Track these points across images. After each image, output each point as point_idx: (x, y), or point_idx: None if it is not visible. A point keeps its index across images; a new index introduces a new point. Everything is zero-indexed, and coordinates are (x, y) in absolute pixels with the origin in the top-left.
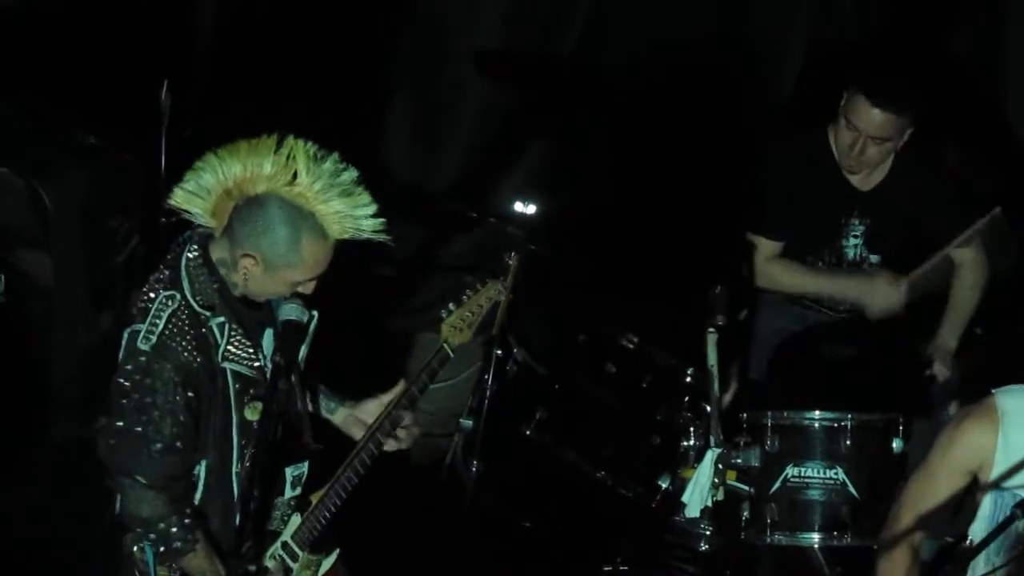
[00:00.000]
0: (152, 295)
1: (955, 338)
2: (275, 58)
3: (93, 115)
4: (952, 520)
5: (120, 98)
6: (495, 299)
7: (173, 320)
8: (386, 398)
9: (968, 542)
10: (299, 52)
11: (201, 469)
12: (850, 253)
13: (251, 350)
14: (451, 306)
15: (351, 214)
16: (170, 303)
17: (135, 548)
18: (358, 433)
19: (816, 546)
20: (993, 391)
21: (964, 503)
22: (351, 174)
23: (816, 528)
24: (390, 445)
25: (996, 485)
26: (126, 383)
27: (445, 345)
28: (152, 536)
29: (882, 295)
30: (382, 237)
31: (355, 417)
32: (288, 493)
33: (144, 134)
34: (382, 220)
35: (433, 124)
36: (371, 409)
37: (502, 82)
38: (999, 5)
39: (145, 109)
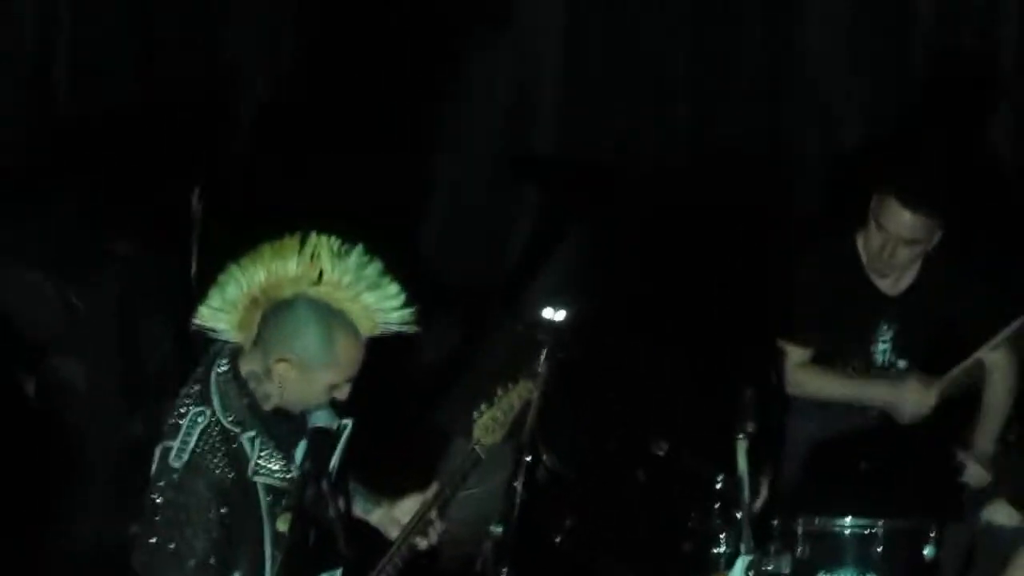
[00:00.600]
0: (183, 411)
1: (991, 443)
2: (307, 164)
3: (125, 220)
4: None
5: (152, 203)
6: (526, 398)
7: (204, 436)
8: (421, 497)
9: None
10: (321, 155)
11: None
12: (879, 359)
13: (284, 462)
14: (483, 407)
15: (380, 307)
16: (200, 420)
17: None
18: (394, 532)
19: None
20: None
21: None
22: (376, 266)
23: None
24: (422, 546)
25: None
26: (159, 499)
27: (477, 447)
28: None
29: (913, 400)
30: (412, 329)
31: (391, 516)
32: None
33: (176, 240)
34: (411, 310)
35: (464, 225)
36: (407, 507)
37: (533, 186)
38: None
39: (177, 215)
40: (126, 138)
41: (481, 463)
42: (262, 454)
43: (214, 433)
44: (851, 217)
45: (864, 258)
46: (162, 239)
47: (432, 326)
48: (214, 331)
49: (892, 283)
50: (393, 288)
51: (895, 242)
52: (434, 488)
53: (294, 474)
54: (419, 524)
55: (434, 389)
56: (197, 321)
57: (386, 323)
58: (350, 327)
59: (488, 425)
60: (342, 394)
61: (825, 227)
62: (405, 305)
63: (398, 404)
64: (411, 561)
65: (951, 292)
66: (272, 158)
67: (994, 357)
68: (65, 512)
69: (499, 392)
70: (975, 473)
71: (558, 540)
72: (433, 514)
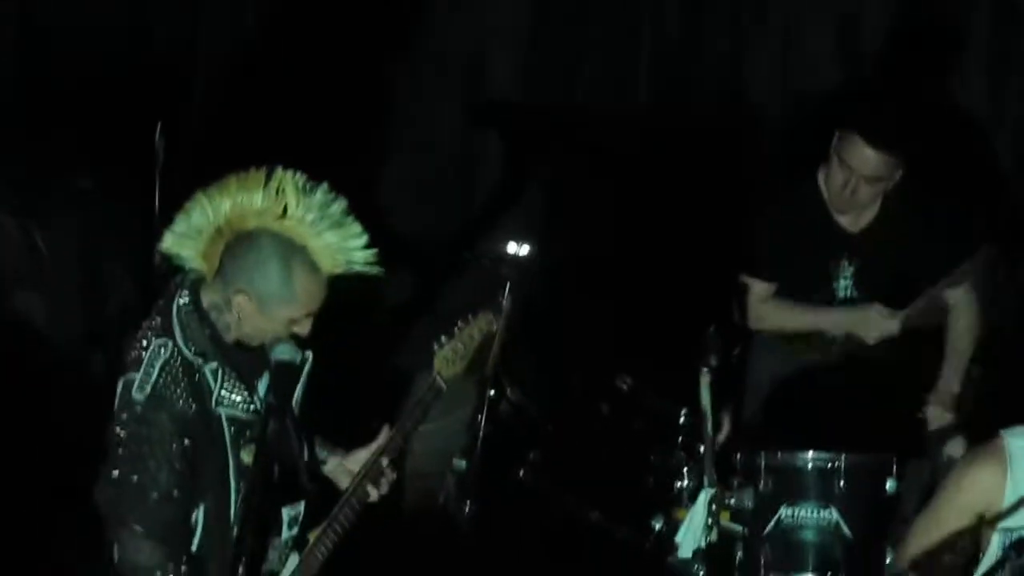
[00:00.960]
0: (145, 343)
1: (957, 382)
2: (270, 102)
3: (87, 158)
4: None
5: (114, 141)
6: (486, 330)
7: (167, 369)
8: (375, 446)
9: None
10: (293, 96)
11: (199, 514)
12: (840, 295)
13: (246, 393)
14: (443, 339)
15: (343, 246)
16: (163, 351)
17: None
18: (344, 482)
19: None
20: (1001, 432)
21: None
22: (341, 205)
23: (810, 569)
24: (373, 496)
25: (1003, 525)
26: (122, 432)
27: (438, 377)
28: None
29: (876, 324)
30: (374, 270)
31: (344, 467)
32: (285, 533)
33: (138, 177)
34: (373, 251)
35: (428, 167)
36: (360, 458)
37: (498, 127)
38: (999, 52)
39: (139, 152)
40: (87, 75)
41: (442, 395)
42: (224, 386)
43: (176, 365)
44: (813, 154)
45: (826, 195)
46: (124, 175)
47: (395, 268)
48: (178, 258)
49: (853, 220)
50: (356, 228)
51: (857, 179)
52: (386, 436)
53: (256, 406)
54: (372, 471)
55: (397, 330)
56: (161, 247)
57: (349, 262)
58: (311, 263)
59: (448, 357)
60: (303, 329)
61: (787, 165)
62: (368, 246)
63: (362, 345)
64: (361, 513)
65: (910, 230)
66: (236, 97)
67: (954, 294)
68: (30, 447)
69: (459, 324)
70: (936, 413)
71: (521, 474)
72: (385, 462)
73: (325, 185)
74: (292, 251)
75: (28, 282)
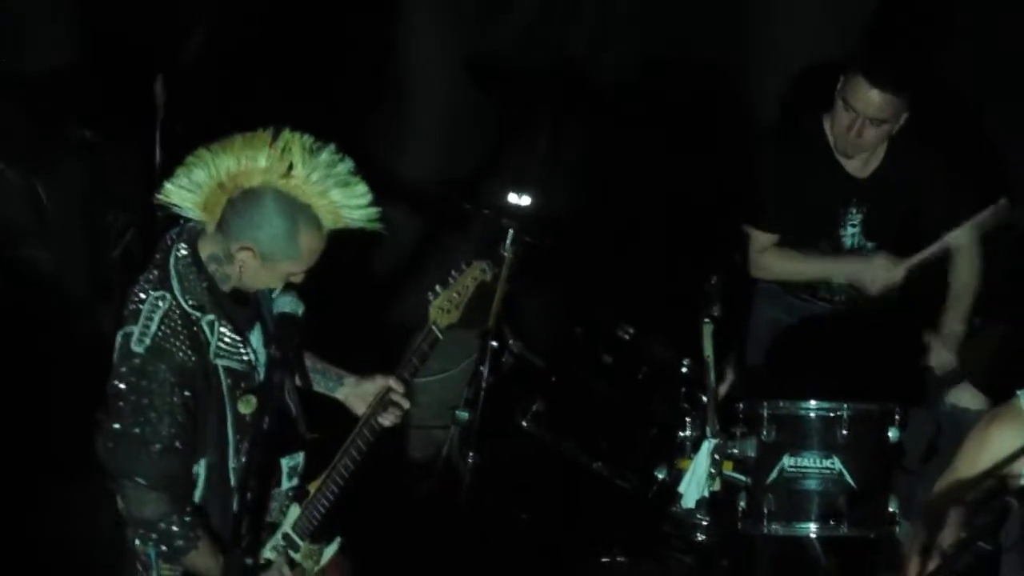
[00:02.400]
0: (143, 296)
1: (958, 326)
2: (269, 52)
3: (88, 109)
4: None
5: (115, 92)
6: (480, 279)
7: (165, 321)
8: (381, 381)
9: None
10: (293, 47)
11: (200, 467)
12: (848, 242)
13: (240, 344)
14: (438, 288)
15: (347, 204)
16: (161, 304)
17: (136, 542)
18: (360, 407)
19: (813, 536)
20: (1018, 392)
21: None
22: (347, 165)
23: (812, 518)
24: (385, 422)
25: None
26: (122, 385)
27: (434, 327)
28: (154, 536)
29: (881, 272)
30: (376, 227)
31: (357, 392)
32: (285, 484)
33: (139, 128)
34: (377, 210)
35: (428, 118)
36: (370, 388)
37: (498, 79)
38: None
39: (140, 103)
40: (87, 24)
41: (439, 343)
42: (221, 337)
43: (175, 317)
44: (818, 99)
45: (831, 139)
46: (126, 127)
47: (396, 220)
48: (177, 208)
49: (860, 166)
50: (362, 187)
51: (862, 121)
52: (397, 371)
53: (251, 357)
54: (383, 403)
55: (398, 281)
56: (160, 197)
57: (351, 219)
58: (314, 221)
59: (443, 306)
60: (297, 279)
61: (793, 111)
62: (371, 204)
63: (362, 296)
64: (373, 444)
65: (920, 175)
66: (237, 49)
67: (959, 239)
68: (33, 400)
69: (453, 274)
70: (940, 356)
71: (524, 425)
72: (397, 395)
73: (332, 146)
74: (297, 209)
75: (32, 234)
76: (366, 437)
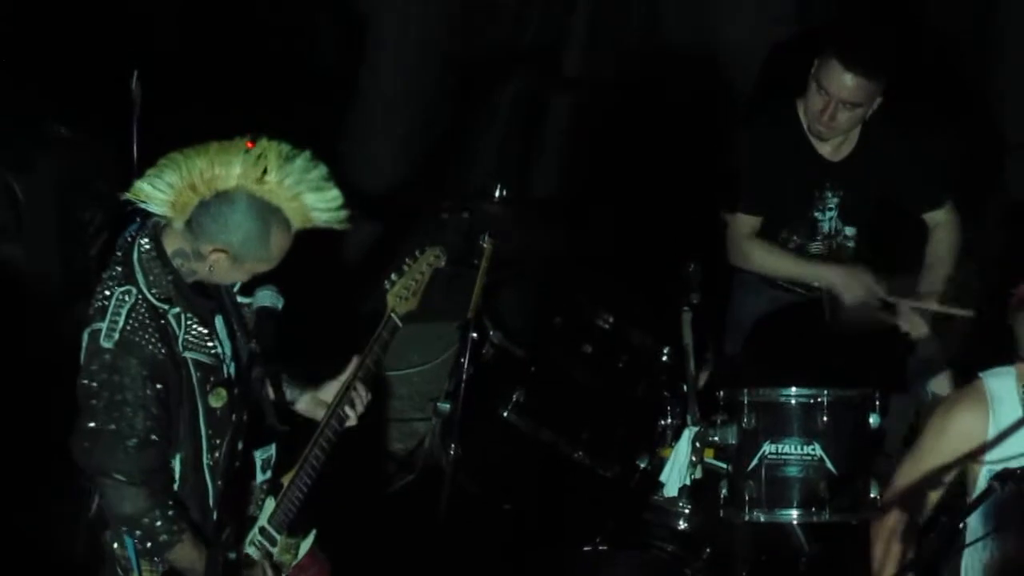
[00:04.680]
0: (108, 292)
1: (931, 292)
2: (242, 50)
3: (64, 106)
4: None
5: (91, 89)
6: (435, 264)
7: (133, 314)
8: (344, 377)
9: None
10: (264, 43)
11: (176, 462)
12: (825, 226)
13: (207, 337)
14: (393, 276)
15: (317, 207)
16: (127, 298)
17: (115, 545)
18: (321, 414)
19: (795, 522)
20: (980, 374)
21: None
22: (321, 171)
23: (794, 504)
24: (351, 418)
25: (989, 459)
26: (93, 383)
27: (392, 315)
28: (138, 532)
29: (858, 290)
30: (343, 226)
31: (318, 399)
32: (259, 477)
33: (115, 125)
34: (347, 212)
35: (403, 105)
36: (332, 390)
37: (472, 72)
38: None
39: (116, 99)
40: (63, 21)
41: (398, 330)
42: (189, 329)
43: (142, 310)
44: (791, 84)
45: (805, 122)
46: (102, 125)
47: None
48: (144, 204)
49: (833, 149)
50: (333, 192)
51: (835, 104)
52: (355, 363)
53: (219, 349)
54: (345, 397)
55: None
56: (128, 195)
57: (320, 220)
58: (285, 223)
59: (401, 294)
60: (260, 273)
61: (768, 97)
62: (342, 207)
63: (331, 295)
64: (340, 434)
65: (894, 158)
66: (212, 43)
67: (937, 216)
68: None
69: (408, 261)
70: (912, 322)
71: (505, 415)
72: (358, 385)
73: (308, 152)
74: (269, 212)
75: (7, 231)
76: (334, 427)
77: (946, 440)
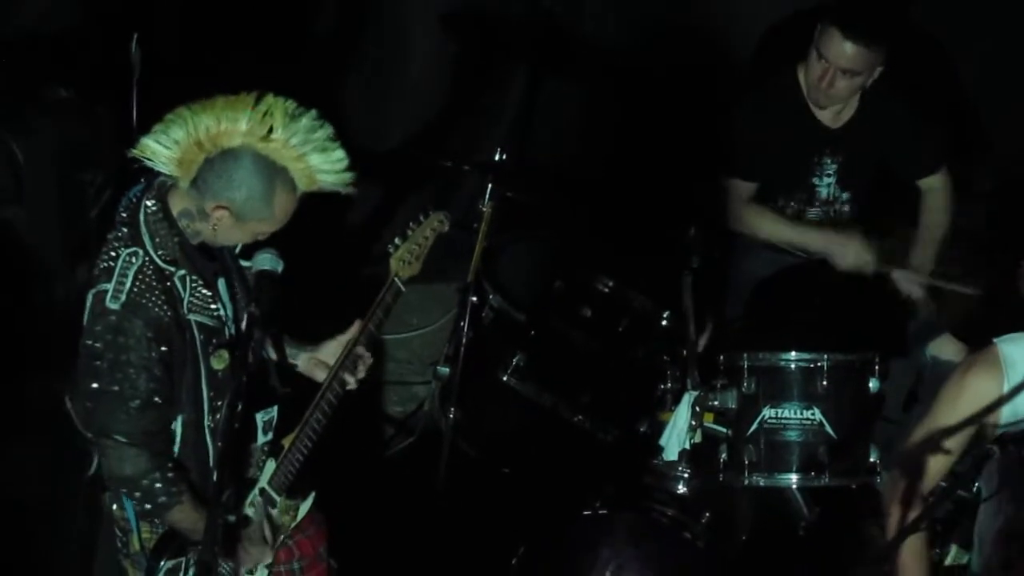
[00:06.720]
0: (114, 253)
1: (926, 259)
2: (241, 13)
3: (64, 68)
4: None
5: (90, 51)
6: (439, 230)
7: (140, 276)
8: (344, 338)
9: (974, 488)
10: (265, 5)
11: (178, 424)
12: (823, 192)
13: (211, 300)
14: (397, 240)
15: (323, 168)
16: (134, 260)
17: (114, 507)
18: (320, 375)
19: (794, 487)
20: (994, 340)
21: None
22: (327, 131)
23: (794, 469)
24: (351, 383)
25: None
26: (97, 344)
27: (396, 279)
28: (137, 494)
29: (852, 257)
30: (349, 189)
31: (316, 359)
32: (260, 439)
33: (115, 88)
34: (352, 175)
35: (407, 76)
36: (331, 350)
37: (473, 36)
38: None
39: (116, 62)
40: None
41: (402, 295)
42: (194, 291)
43: (149, 272)
44: (792, 51)
45: (804, 89)
46: (102, 87)
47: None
48: (150, 161)
49: (833, 116)
50: (339, 153)
51: (834, 71)
52: (356, 326)
53: (222, 312)
54: (347, 360)
55: (367, 237)
56: (135, 151)
57: (325, 183)
58: (290, 183)
59: (404, 258)
60: (264, 236)
61: (768, 64)
62: (348, 169)
63: (333, 258)
64: (342, 398)
65: (888, 126)
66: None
67: (929, 181)
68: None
69: (411, 226)
70: (907, 280)
71: (505, 379)
72: (360, 349)
73: (314, 112)
74: (275, 171)
75: (8, 193)
76: (336, 390)
77: (961, 405)
